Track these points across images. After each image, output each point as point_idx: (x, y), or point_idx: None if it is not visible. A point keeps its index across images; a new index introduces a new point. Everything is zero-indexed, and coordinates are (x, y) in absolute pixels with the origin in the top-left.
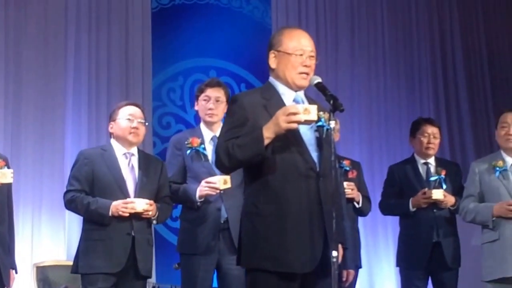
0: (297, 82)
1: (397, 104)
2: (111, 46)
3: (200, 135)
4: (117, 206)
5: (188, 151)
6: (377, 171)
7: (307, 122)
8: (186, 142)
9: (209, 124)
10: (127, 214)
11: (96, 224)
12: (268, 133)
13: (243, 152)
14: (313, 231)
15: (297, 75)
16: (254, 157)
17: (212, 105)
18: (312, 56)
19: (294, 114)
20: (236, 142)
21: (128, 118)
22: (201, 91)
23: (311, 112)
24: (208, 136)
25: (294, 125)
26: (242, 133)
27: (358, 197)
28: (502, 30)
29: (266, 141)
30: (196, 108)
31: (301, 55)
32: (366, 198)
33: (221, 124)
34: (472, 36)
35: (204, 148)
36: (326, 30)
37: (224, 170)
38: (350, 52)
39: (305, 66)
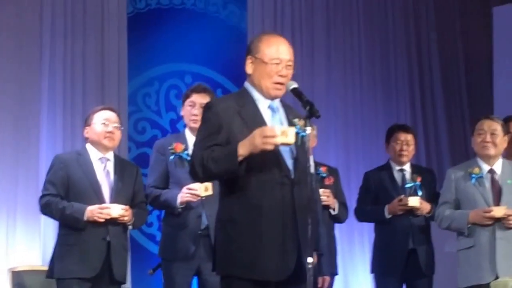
0: (271, 92)
1: (373, 110)
2: (87, 50)
3: (184, 141)
4: (93, 211)
5: (172, 157)
6: (354, 177)
7: (284, 145)
8: (169, 148)
9: (193, 130)
10: (103, 220)
11: (71, 229)
12: (243, 151)
13: (217, 167)
14: (287, 239)
15: (271, 84)
16: (226, 173)
17: (197, 111)
18: (290, 65)
19: (271, 136)
20: (211, 155)
21: (103, 122)
22: (187, 96)
23: (289, 135)
24: (193, 142)
25: (270, 147)
26: (218, 141)
27: (334, 204)
28: (479, 38)
29: (240, 158)
30: (182, 113)
31: (277, 64)
32: (343, 205)
33: None
34: (449, 44)
35: (188, 154)
36: (302, 36)
37: (197, 180)
38: (326, 58)
39: (281, 76)
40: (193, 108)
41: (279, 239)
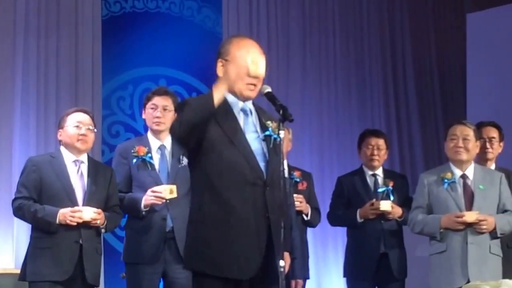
0: (244, 93)
1: (348, 115)
2: (61, 53)
3: (147, 144)
4: (65, 215)
5: (135, 160)
6: (328, 182)
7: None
8: (132, 151)
9: (156, 133)
10: (75, 223)
11: (44, 232)
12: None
13: (195, 107)
14: (255, 239)
15: (244, 85)
16: (204, 112)
17: (159, 113)
18: None
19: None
20: (186, 109)
21: (76, 125)
22: (149, 99)
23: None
24: (156, 145)
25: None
26: None
27: (307, 209)
28: (453, 44)
29: (219, 95)
30: (143, 116)
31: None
32: (316, 210)
33: (168, 133)
34: (423, 50)
35: (151, 157)
36: (277, 41)
37: (175, 137)
38: (301, 63)
39: (251, 77)
40: (155, 111)
41: (248, 239)
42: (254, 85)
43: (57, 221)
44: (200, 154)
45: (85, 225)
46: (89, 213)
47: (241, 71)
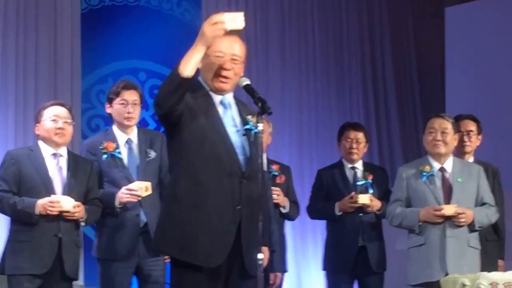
0: (215, 84)
1: (327, 108)
2: (39, 46)
3: (114, 139)
4: (44, 205)
5: (104, 156)
6: (307, 175)
7: (233, 30)
8: (100, 147)
9: (124, 127)
10: (56, 213)
11: (24, 225)
12: (195, 47)
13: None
14: (225, 228)
15: (214, 77)
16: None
17: (131, 108)
18: (235, 60)
19: (220, 22)
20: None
21: (53, 119)
22: (117, 94)
23: (237, 20)
24: (123, 139)
25: (221, 32)
26: None
27: (284, 202)
28: (431, 37)
29: (197, 55)
30: (108, 111)
31: (220, 57)
32: (294, 203)
33: (135, 127)
34: (401, 43)
35: (120, 152)
36: (256, 35)
37: (158, 109)
38: (280, 56)
39: (224, 69)
40: (126, 106)
41: (217, 228)
42: (225, 77)
43: (37, 212)
44: (180, 139)
45: (65, 218)
46: (69, 202)
47: (212, 62)
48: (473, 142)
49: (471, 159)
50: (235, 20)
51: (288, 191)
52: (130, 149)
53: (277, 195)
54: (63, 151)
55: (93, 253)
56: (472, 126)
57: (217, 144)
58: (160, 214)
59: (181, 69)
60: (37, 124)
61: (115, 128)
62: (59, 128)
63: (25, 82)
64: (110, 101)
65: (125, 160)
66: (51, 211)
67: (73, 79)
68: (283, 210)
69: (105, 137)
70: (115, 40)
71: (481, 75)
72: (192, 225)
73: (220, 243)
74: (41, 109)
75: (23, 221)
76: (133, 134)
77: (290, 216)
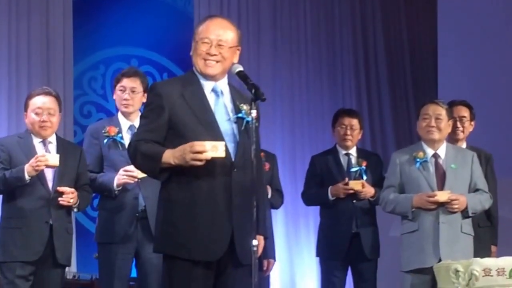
0: (203, 70)
1: (319, 94)
2: (32, 33)
3: (118, 124)
4: (31, 164)
5: (106, 140)
6: (299, 162)
7: (215, 159)
8: (103, 131)
9: (125, 114)
10: (44, 167)
11: (14, 212)
12: (172, 160)
13: (142, 163)
14: (222, 220)
15: (202, 62)
16: (148, 173)
17: (128, 95)
18: (221, 45)
19: (201, 152)
20: (140, 149)
21: (36, 112)
22: (118, 81)
23: (219, 149)
24: (126, 125)
25: (200, 163)
26: (158, 124)
27: (267, 190)
28: (423, 25)
29: (165, 165)
30: (114, 97)
31: (206, 43)
32: (278, 192)
33: (138, 114)
34: (394, 30)
35: (122, 137)
36: (248, 21)
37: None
38: (272, 42)
39: (209, 54)
40: (123, 93)
41: (213, 220)
42: (216, 61)
43: (27, 176)
44: (168, 134)
45: (58, 204)
46: (55, 158)
47: (199, 47)
48: (466, 128)
49: (463, 145)
50: (217, 149)
51: (272, 179)
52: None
53: None
54: (52, 138)
55: (94, 238)
56: (465, 112)
57: (205, 134)
58: (157, 215)
59: (158, 172)
60: (25, 113)
61: (119, 115)
62: (43, 121)
63: (17, 70)
64: (114, 87)
65: (127, 145)
66: (38, 165)
67: (65, 66)
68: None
69: (109, 122)
70: (107, 26)
71: (474, 60)
72: (187, 222)
73: (218, 236)
74: (28, 97)
75: (15, 187)
76: (137, 121)
77: (273, 204)
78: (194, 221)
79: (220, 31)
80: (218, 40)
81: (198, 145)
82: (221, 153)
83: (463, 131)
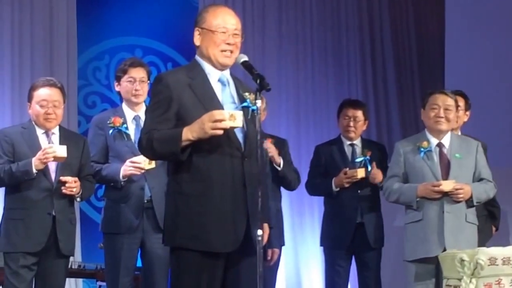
0: (220, 60)
1: (325, 84)
2: (35, 23)
3: (122, 115)
4: (38, 157)
5: (111, 131)
6: (304, 150)
7: (232, 128)
8: (108, 122)
9: (133, 104)
10: (52, 159)
11: (18, 203)
12: (190, 135)
13: (161, 148)
14: (236, 211)
15: (219, 52)
16: (170, 156)
17: (138, 86)
18: (236, 34)
19: (220, 120)
20: (156, 136)
21: (41, 104)
22: (124, 72)
23: (237, 118)
24: (131, 115)
25: (220, 132)
26: (167, 116)
27: (277, 156)
28: (430, 13)
29: (186, 143)
30: (117, 89)
31: (224, 32)
32: (295, 172)
33: (143, 104)
34: (400, 18)
35: (127, 128)
36: (253, 11)
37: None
38: (277, 31)
39: (228, 44)
40: (133, 84)
41: (228, 212)
42: (231, 51)
43: (34, 170)
44: (177, 125)
45: (61, 194)
46: (63, 150)
47: (217, 37)
48: (461, 117)
49: (458, 134)
50: (235, 118)
51: (287, 163)
52: (137, 125)
53: (269, 148)
54: (55, 129)
55: (99, 228)
56: (460, 102)
57: None
58: (166, 208)
59: (180, 152)
60: (29, 103)
61: (124, 105)
62: (47, 113)
63: (21, 60)
64: (118, 79)
65: (132, 136)
66: (47, 158)
67: (69, 56)
68: (279, 168)
69: (114, 113)
70: (111, 16)
71: (481, 49)
72: (201, 214)
73: (234, 226)
74: (32, 88)
75: (22, 180)
76: (142, 111)
77: (287, 178)
78: (208, 212)
79: (234, 21)
80: (234, 30)
81: (218, 113)
82: (239, 123)
83: (457, 121)
